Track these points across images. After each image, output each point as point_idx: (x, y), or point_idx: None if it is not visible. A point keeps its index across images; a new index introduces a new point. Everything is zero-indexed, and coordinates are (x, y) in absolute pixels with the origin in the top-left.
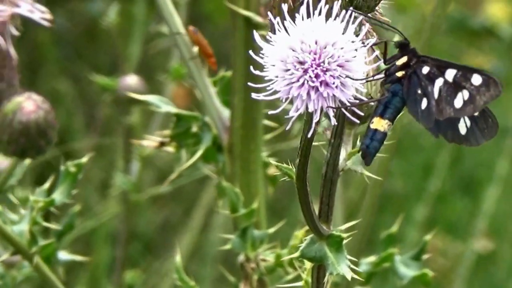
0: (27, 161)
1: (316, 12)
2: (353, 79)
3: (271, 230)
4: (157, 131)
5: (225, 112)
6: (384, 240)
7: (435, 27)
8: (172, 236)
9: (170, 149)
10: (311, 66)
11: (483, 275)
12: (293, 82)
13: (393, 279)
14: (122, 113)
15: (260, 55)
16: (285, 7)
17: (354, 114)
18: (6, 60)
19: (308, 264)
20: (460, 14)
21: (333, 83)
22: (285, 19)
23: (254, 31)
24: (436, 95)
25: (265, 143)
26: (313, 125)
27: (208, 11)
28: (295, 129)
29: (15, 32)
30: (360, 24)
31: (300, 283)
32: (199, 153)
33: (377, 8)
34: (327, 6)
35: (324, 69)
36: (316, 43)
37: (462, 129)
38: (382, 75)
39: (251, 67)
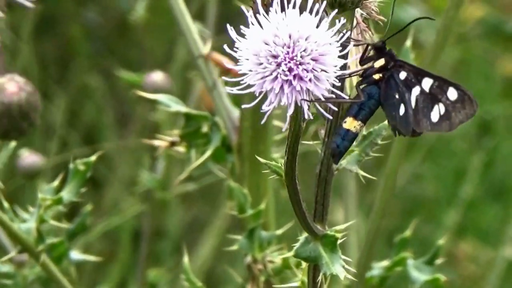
0: (55, 158)
1: (290, 5)
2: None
3: (279, 231)
4: None
5: (235, 112)
6: (397, 245)
7: (448, 29)
8: (200, 235)
9: (180, 149)
10: (284, 60)
11: None
12: (266, 76)
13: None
14: (147, 110)
15: (234, 49)
16: (258, 0)
17: (329, 109)
18: None
19: (304, 264)
20: (496, 19)
21: (307, 77)
22: (258, 13)
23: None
24: (413, 104)
25: (275, 143)
26: (288, 118)
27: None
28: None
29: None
30: (349, 22)
31: (296, 284)
32: (208, 153)
33: (372, 6)
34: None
35: (297, 62)
36: (289, 36)
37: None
38: (358, 70)
39: (225, 61)
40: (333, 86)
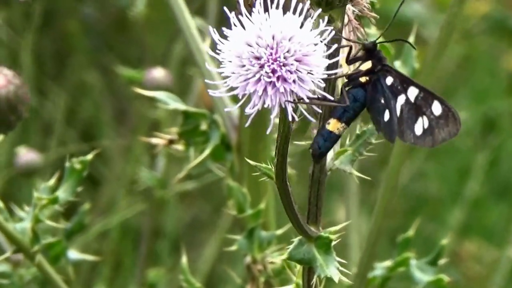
0: (53, 155)
1: (274, 5)
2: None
3: (279, 231)
4: None
5: (234, 110)
6: (400, 244)
7: (451, 26)
8: (200, 235)
9: (179, 147)
10: (267, 61)
11: None
12: (249, 78)
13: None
14: (146, 107)
15: (217, 51)
16: (241, 0)
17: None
18: None
19: (299, 266)
20: (500, 14)
21: (290, 78)
22: (241, 14)
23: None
24: (398, 112)
25: (274, 142)
26: (272, 121)
27: None
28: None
29: None
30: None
31: (291, 286)
32: (206, 152)
33: (364, 3)
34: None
35: (281, 64)
36: (273, 37)
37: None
38: (343, 70)
39: (206, 64)
40: (319, 87)
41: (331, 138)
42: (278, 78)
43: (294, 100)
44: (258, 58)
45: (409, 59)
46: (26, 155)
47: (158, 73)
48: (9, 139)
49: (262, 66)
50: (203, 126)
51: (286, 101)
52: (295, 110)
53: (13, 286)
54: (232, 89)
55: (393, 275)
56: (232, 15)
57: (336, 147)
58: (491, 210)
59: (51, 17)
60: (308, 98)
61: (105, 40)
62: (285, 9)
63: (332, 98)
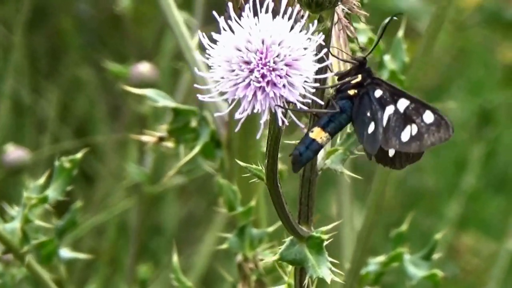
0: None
1: (263, 9)
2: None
3: (271, 228)
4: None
5: (224, 107)
6: (393, 239)
7: (441, 19)
8: (196, 231)
9: (169, 144)
10: (257, 66)
11: None
12: (239, 83)
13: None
14: (137, 102)
15: (206, 55)
16: (230, 4)
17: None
18: None
19: (291, 266)
20: (495, 6)
21: (280, 83)
22: (230, 18)
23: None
24: (384, 122)
25: (264, 138)
26: (262, 125)
27: None
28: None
29: None
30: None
31: (283, 286)
32: (196, 149)
33: (354, 1)
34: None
35: (271, 68)
36: (262, 42)
37: (390, 152)
38: (333, 84)
39: (196, 69)
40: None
41: (313, 147)
42: (267, 83)
43: (284, 104)
44: (247, 63)
45: (398, 52)
46: (14, 152)
47: (144, 67)
48: (3, 136)
49: (251, 71)
50: (193, 123)
51: (276, 105)
52: (285, 114)
53: (5, 286)
54: (221, 93)
55: (387, 270)
56: (221, 19)
57: (327, 146)
58: (488, 203)
59: (44, 14)
60: (299, 102)
61: (99, 36)
62: (275, 13)
63: (322, 103)
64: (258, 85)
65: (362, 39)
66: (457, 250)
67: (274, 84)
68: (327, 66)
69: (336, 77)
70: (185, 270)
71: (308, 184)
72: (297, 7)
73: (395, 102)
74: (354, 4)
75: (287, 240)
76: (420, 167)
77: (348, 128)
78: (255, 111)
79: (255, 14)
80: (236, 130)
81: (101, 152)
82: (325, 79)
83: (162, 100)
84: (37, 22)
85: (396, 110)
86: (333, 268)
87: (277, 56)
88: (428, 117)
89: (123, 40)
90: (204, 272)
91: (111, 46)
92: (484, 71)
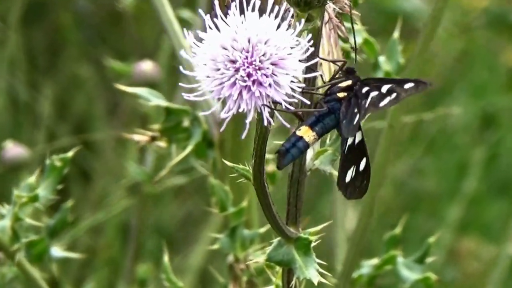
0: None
1: (249, 8)
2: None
3: (262, 229)
4: None
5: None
6: (387, 242)
7: (437, 20)
8: (194, 231)
9: (161, 143)
10: (243, 65)
11: None
12: (225, 82)
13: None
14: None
15: (191, 54)
16: (217, 2)
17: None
18: None
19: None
20: (500, 9)
21: (266, 82)
22: (216, 16)
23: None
24: (367, 103)
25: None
26: (248, 124)
27: None
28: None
29: None
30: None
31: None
32: (188, 149)
33: (345, 0)
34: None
35: (257, 67)
36: (248, 40)
37: (348, 177)
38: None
39: (180, 67)
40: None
41: (300, 145)
42: (253, 82)
43: (270, 104)
44: (233, 62)
45: (394, 54)
46: (13, 149)
47: (146, 65)
48: (1, 133)
49: (237, 70)
50: (185, 123)
51: (262, 105)
52: (271, 114)
53: None
54: (206, 93)
55: (381, 273)
56: (207, 17)
57: (316, 146)
58: (489, 207)
59: (44, 9)
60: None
61: (99, 33)
62: (262, 11)
63: (309, 103)
64: (244, 84)
65: (357, 39)
66: (457, 253)
67: (260, 83)
68: (317, 65)
69: (326, 79)
70: (183, 270)
71: (296, 185)
72: (284, 5)
73: (379, 89)
74: (346, 4)
75: (275, 241)
76: (421, 169)
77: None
78: (240, 110)
79: (242, 12)
80: (221, 130)
81: (100, 150)
82: (314, 79)
83: (154, 99)
84: (36, 18)
85: (380, 93)
86: (320, 270)
87: (263, 55)
88: (409, 85)
89: (123, 37)
90: (201, 272)
91: (110, 43)
92: (487, 74)
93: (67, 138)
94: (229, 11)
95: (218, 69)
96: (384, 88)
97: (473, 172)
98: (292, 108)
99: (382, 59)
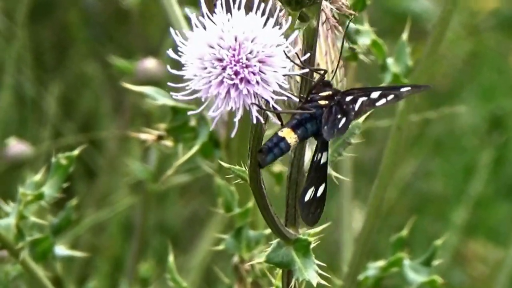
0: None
1: (236, 5)
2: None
3: (268, 230)
4: None
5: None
6: (393, 244)
7: (446, 23)
8: (199, 230)
9: (168, 143)
10: (230, 63)
11: None
12: (212, 80)
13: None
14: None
15: (179, 53)
16: (203, 0)
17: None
18: None
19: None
20: (509, 10)
21: (253, 80)
22: (202, 15)
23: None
24: (357, 107)
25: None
26: (237, 124)
27: None
28: None
29: None
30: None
31: None
32: (194, 148)
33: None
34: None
35: (244, 65)
36: (235, 39)
37: (307, 196)
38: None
39: (168, 66)
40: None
41: (281, 145)
42: (241, 80)
43: (260, 103)
44: (220, 60)
45: (402, 56)
46: (16, 146)
47: (150, 63)
48: (7, 130)
49: (224, 68)
50: (192, 122)
51: (251, 103)
52: (260, 112)
53: None
54: (194, 92)
55: (387, 275)
56: (193, 16)
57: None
58: (496, 209)
59: (51, 7)
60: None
61: (106, 31)
62: (249, 9)
63: (297, 100)
64: (231, 82)
65: (365, 41)
66: (464, 256)
67: (248, 81)
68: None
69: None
70: (188, 270)
71: (295, 186)
72: (271, 2)
73: (368, 95)
74: (343, 4)
75: (274, 242)
76: (429, 171)
77: None
78: (228, 109)
79: (228, 10)
80: (211, 128)
81: (105, 148)
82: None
83: (161, 98)
84: (43, 15)
85: (369, 98)
86: (320, 271)
87: (250, 53)
88: (404, 89)
89: (130, 35)
90: (207, 271)
91: (117, 40)
92: (496, 76)
93: (73, 136)
94: (215, 9)
95: (205, 68)
96: (375, 94)
97: (480, 174)
98: (279, 108)
99: (390, 61)
